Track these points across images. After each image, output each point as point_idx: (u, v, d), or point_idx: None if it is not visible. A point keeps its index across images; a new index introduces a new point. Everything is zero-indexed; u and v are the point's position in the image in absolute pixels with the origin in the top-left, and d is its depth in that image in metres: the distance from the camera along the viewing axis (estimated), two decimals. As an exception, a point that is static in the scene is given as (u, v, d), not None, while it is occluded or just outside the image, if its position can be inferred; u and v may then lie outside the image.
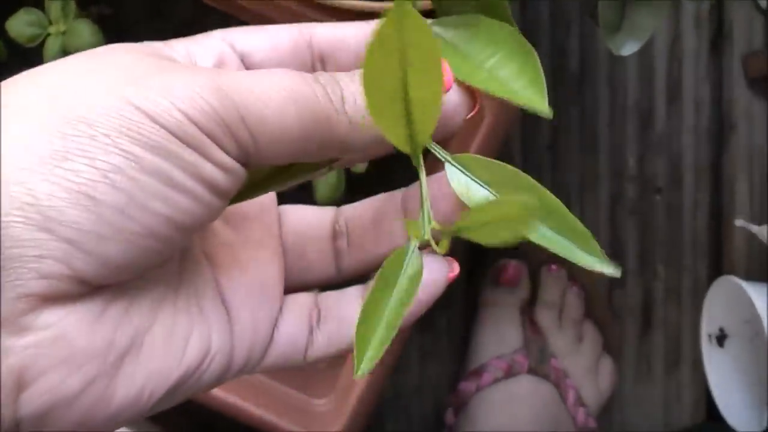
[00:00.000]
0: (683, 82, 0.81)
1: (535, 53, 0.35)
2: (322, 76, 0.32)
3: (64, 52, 0.71)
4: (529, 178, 0.34)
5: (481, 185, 0.34)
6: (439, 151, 0.34)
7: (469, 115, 0.36)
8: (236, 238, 0.36)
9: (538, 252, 0.80)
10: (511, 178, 0.34)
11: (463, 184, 0.34)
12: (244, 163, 0.31)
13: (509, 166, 0.34)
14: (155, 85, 0.29)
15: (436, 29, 0.36)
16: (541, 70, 0.35)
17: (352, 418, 0.64)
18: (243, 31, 0.35)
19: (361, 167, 0.70)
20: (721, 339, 0.78)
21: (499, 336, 0.79)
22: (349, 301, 0.36)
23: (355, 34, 0.36)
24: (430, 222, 0.33)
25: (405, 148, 0.32)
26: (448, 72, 0.34)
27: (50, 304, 0.28)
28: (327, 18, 0.62)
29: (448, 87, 0.34)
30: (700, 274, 0.82)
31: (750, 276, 0.80)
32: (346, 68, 0.35)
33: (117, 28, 0.74)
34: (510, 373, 0.77)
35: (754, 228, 0.73)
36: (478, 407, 0.77)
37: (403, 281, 0.32)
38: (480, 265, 0.81)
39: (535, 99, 0.34)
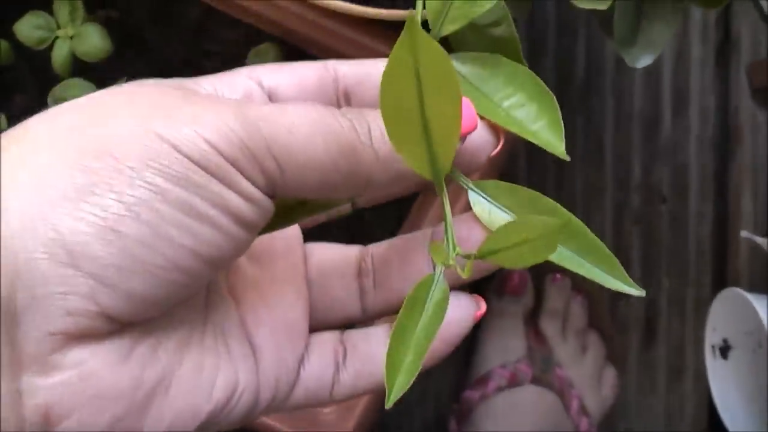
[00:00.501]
0: (689, 91, 0.81)
1: (554, 97, 0.36)
2: (349, 111, 0.32)
3: (73, 56, 0.71)
4: (551, 201, 0.34)
5: (503, 210, 0.34)
6: (461, 179, 0.35)
7: (494, 153, 0.36)
8: (262, 275, 0.36)
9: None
10: (533, 202, 0.34)
11: (485, 210, 0.34)
12: (271, 195, 0.31)
13: (530, 191, 0.35)
14: (180, 115, 0.29)
15: (453, 63, 0.36)
16: (560, 114, 0.35)
17: (358, 426, 0.64)
18: (269, 69, 0.35)
19: None
20: (724, 350, 0.78)
21: (503, 345, 0.79)
22: (376, 340, 0.36)
23: (379, 70, 0.36)
24: (455, 248, 0.33)
25: (427, 174, 0.32)
26: (471, 109, 0.34)
27: (77, 342, 0.28)
28: (326, 20, 0.62)
29: (474, 125, 0.34)
30: (703, 285, 0.82)
31: (753, 287, 0.80)
32: (370, 104, 0.35)
33: (125, 32, 0.74)
34: (514, 382, 0.77)
35: (759, 240, 0.73)
36: (482, 416, 0.77)
37: (429, 307, 0.32)
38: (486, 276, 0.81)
39: (554, 142, 0.35)
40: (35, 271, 0.27)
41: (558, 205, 0.34)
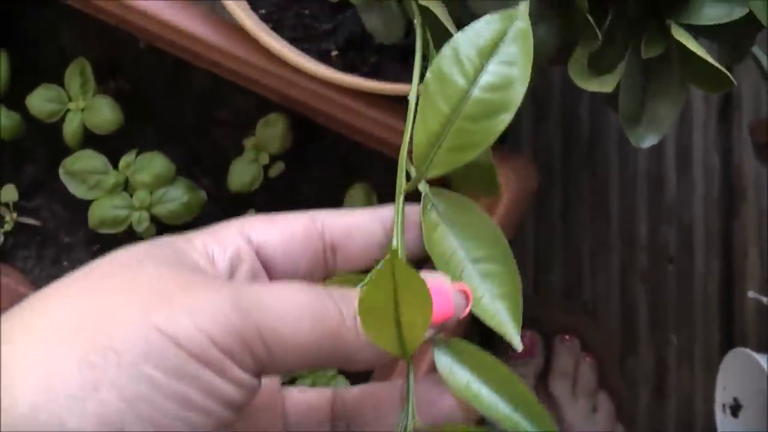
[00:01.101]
0: (693, 149, 0.82)
1: (518, 274, 0.38)
2: (335, 293, 0.34)
3: (84, 127, 0.72)
4: (506, 370, 0.36)
5: (464, 370, 0.36)
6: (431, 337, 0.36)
7: (463, 316, 0.37)
8: (243, 427, 0.37)
9: (552, 322, 0.81)
10: (491, 368, 0.36)
11: (447, 367, 0.36)
12: (258, 376, 0.32)
13: (490, 357, 0.36)
14: (179, 306, 0.30)
15: (433, 198, 0.39)
16: (521, 296, 0.38)
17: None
18: (259, 223, 0.37)
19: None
20: (735, 409, 0.78)
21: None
22: None
23: (365, 223, 0.38)
24: (413, 418, 0.35)
25: (397, 354, 0.34)
26: (449, 301, 0.36)
27: None
28: (332, 92, 0.63)
29: (449, 315, 0.36)
30: (712, 342, 0.82)
31: (762, 344, 0.80)
32: (356, 256, 0.37)
33: (135, 101, 0.75)
34: (525, 445, 0.77)
35: (765, 300, 0.74)
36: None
37: None
38: (493, 334, 0.81)
39: (509, 329, 0.37)
40: None
41: (513, 376, 0.36)
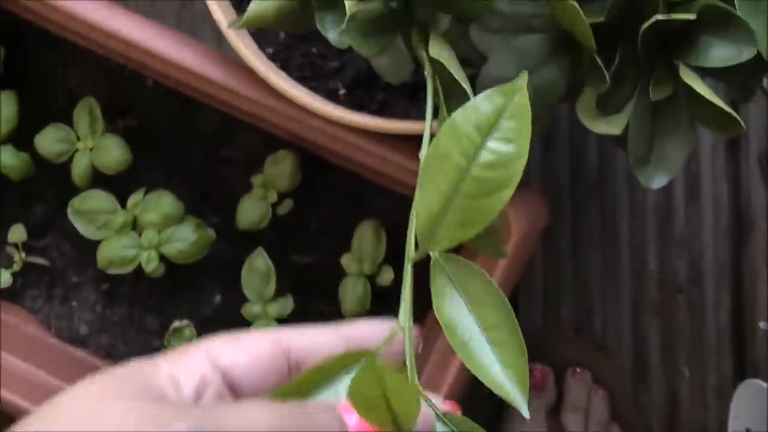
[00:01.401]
0: (701, 180, 0.82)
1: (522, 340, 0.38)
2: (297, 407, 0.35)
3: (92, 168, 0.72)
4: None
5: None
6: (431, 404, 0.37)
7: None
8: None
9: (563, 355, 0.81)
10: None
11: None
12: None
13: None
14: None
15: (444, 264, 0.39)
16: (527, 363, 0.38)
17: None
18: (226, 345, 0.38)
19: (387, 279, 0.71)
20: (748, 440, 0.78)
21: (525, 441, 0.79)
22: None
23: (329, 343, 0.40)
24: None
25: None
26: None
27: None
28: (339, 131, 0.63)
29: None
30: (724, 373, 0.82)
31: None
32: None
33: (143, 139, 0.75)
34: (537, 479, 0.77)
35: (777, 330, 0.74)
36: None
37: None
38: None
39: (517, 399, 0.38)
40: None
41: None
